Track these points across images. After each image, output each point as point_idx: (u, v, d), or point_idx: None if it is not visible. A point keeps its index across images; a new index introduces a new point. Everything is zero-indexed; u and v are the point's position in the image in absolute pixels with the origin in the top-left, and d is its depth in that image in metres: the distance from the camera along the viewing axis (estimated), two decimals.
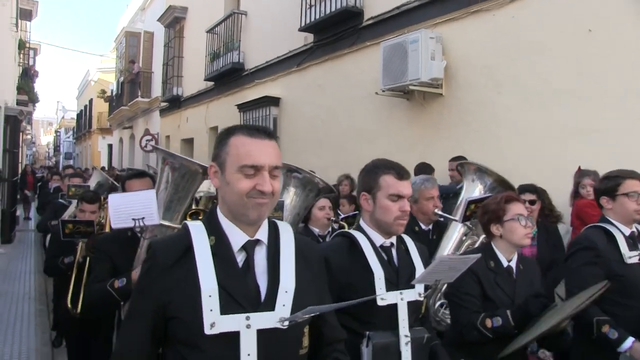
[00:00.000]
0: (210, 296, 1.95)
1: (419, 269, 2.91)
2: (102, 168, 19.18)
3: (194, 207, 5.56)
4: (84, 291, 3.89)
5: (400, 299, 2.76)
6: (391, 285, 2.77)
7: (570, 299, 3.39)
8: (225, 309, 1.95)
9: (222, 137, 2.13)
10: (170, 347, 2.07)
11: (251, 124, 2.19)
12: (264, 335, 1.98)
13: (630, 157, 5.71)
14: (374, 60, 9.15)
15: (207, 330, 1.92)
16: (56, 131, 69.71)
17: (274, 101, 12.89)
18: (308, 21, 11.18)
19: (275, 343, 2.01)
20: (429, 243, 4.25)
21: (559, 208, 5.91)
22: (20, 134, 20.23)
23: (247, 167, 2.01)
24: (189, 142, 19.16)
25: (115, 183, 7.86)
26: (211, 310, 1.94)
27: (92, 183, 8.13)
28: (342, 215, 6.55)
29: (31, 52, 24.53)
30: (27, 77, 22.02)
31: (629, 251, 3.63)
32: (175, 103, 20.51)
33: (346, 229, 3.32)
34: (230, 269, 2.03)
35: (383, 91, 8.79)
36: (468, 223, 4.33)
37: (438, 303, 4.21)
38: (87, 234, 4.96)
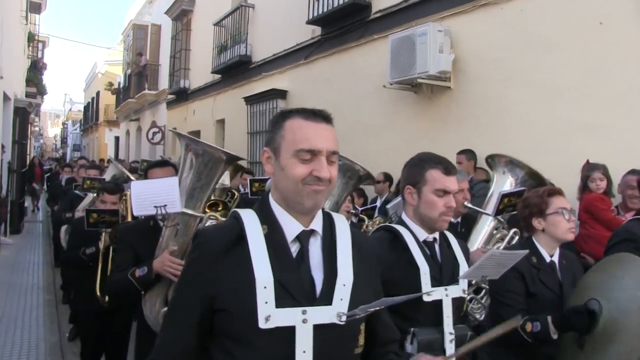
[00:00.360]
0: (265, 287, 1.82)
1: (462, 265, 2.86)
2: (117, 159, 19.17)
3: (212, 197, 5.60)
4: (107, 281, 3.85)
5: (445, 295, 2.69)
6: (435, 281, 2.70)
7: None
8: (279, 303, 1.82)
9: (277, 121, 2.01)
10: (216, 342, 1.95)
11: (308, 108, 2.01)
12: (320, 331, 1.85)
13: (634, 153, 5.72)
14: (381, 53, 9.13)
15: (262, 324, 1.79)
16: (63, 123, 69.88)
17: (281, 94, 12.90)
18: (316, 14, 11.16)
19: (332, 340, 1.89)
20: (457, 236, 4.22)
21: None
22: (29, 125, 20.30)
23: (303, 152, 1.89)
24: (195, 135, 19.14)
25: (131, 176, 7.85)
26: (266, 302, 1.81)
27: (108, 176, 8.04)
28: (360, 208, 6.58)
29: (40, 45, 24.55)
30: (35, 69, 22.04)
31: None
32: (182, 95, 20.51)
33: (384, 223, 3.21)
34: (284, 260, 1.90)
35: (391, 84, 8.78)
36: (499, 217, 4.27)
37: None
38: (111, 224, 4.96)
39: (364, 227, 5.78)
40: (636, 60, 5.96)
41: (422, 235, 2.82)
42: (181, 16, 20.82)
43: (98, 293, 4.85)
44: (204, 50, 17.75)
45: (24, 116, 16.62)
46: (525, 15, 7.22)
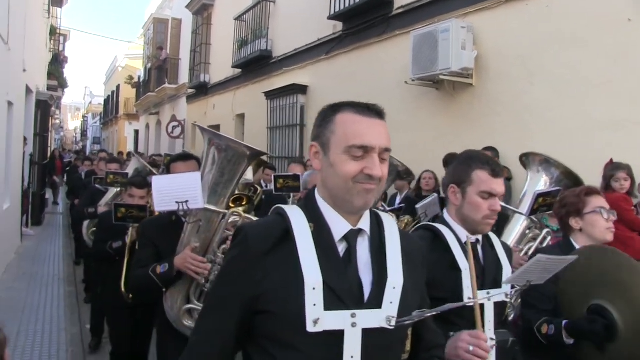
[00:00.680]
0: (314, 289, 1.73)
1: (506, 267, 2.77)
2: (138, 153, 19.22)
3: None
4: (129, 276, 3.80)
5: (488, 299, 2.57)
6: (477, 284, 2.52)
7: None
8: (327, 305, 1.74)
9: (326, 114, 1.92)
10: (255, 343, 1.86)
11: (359, 102, 1.92)
12: (368, 336, 1.77)
13: None
14: (403, 49, 9.11)
15: (310, 328, 1.70)
16: (83, 116, 70.28)
17: (302, 89, 12.91)
18: (337, 9, 11.16)
19: (380, 344, 1.81)
20: None
21: None
22: (50, 118, 20.47)
23: (355, 148, 1.79)
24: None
25: (153, 170, 7.85)
26: (315, 305, 1.72)
27: (130, 169, 8.04)
28: (388, 208, 6.57)
29: (61, 39, 24.72)
30: (57, 62, 22.18)
31: None
32: (202, 90, 20.55)
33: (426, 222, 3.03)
34: (332, 261, 1.80)
35: (412, 81, 8.77)
36: (533, 217, 4.19)
37: None
38: (139, 219, 4.87)
39: None
40: None
41: (465, 235, 2.70)
42: (202, 10, 20.87)
43: (123, 289, 4.79)
44: (224, 45, 17.77)
45: (45, 109, 16.75)
46: (550, 11, 7.16)
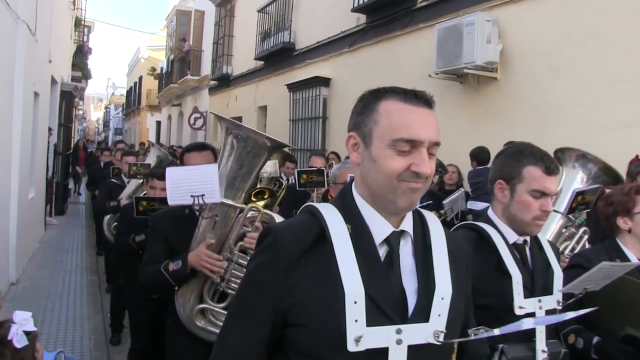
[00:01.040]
0: (355, 302, 1.53)
1: (557, 271, 2.51)
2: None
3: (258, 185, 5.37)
4: (139, 272, 3.50)
5: (539, 307, 2.35)
6: (527, 291, 2.36)
7: None
8: (370, 320, 1.53)
9: (368, 101, 1.69)
10: (283, 358, 1.67)
11: (405, 88, 1.69)
12: (414, 353, 1.57)
13: None
14: (427, 42, 9.07)
15: (351, 347, 1.50)
16: (106, 107, 70.75)
17: (325, 82, 12.87)
18: (361, 2, 11.10)
19: None
20: None
21: None
22: (74, 109, 20.64)
23: (401, 142, 1.58)
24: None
25: (174, 159, 7.83)
26: (356, 320, 1.52)
27: (151, 158, 7.97)
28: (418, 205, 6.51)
29: (85, 30, 24.87)
30: (81, 54, 22.34)
31: None
32: (224, 82, 20.58)
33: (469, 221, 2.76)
34: (373, 268, 1.60)
35: (436, 74, 8.71)
36: (570, 215, 3.96)
37: None
38: None
39: None
40: None
41: (512, 237, 2.49)
42: (225, 2, 20.89)
43: None
44: (247, 37, 17.78)
45: (69, 100, 16.89)
46: (577, 5, 7.07)
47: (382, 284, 1.60)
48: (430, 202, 7.11)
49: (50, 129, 14.08)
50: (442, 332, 1.59)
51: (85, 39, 24.51)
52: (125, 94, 52.91)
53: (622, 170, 5.79)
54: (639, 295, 2.67)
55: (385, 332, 1.55)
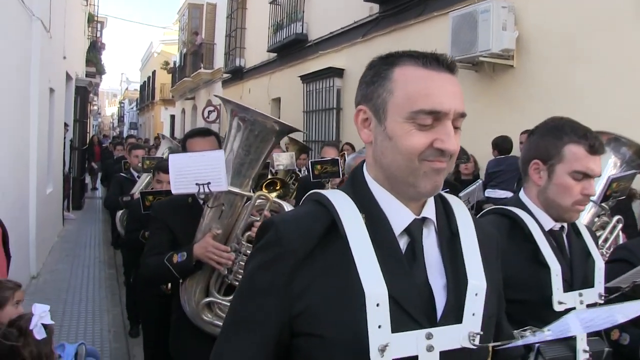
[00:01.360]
0: (378, 305, 1.29)
1: (598, 260, 2.25)
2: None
3: (269, 175, 5.26)
4: (141, 264, 3.37)
5: (580, 301, 2.11)
6: (566, 284, 2.12)
7: None
8: (395, 325, 1.30)
9: (379, 68, 1.44)
10: None
11: (422, 51, 1.44)
12: (446, 359, 1.35)
13: None
14: (441, 31, 8.97)
15: (376, 357, 1.28)
16: (120, 102, 71.11)
17: (338, 72, 12.82)
18: None
19: None
20: None
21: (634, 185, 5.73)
22: (88, 104, 20.74)
23: (423, 114, 1.34)
24: None
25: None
26: (380, 326, 1.28)
27: (161, 150, 8.04)
28: None
29: (98, 25, 24.99)
30: (95, 49, 22.48)
31: None
32: (237, 74, 20.58)
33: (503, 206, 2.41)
34: (393, 263, 1.37)
35: None
36: (604, 204, 3.77)
37: None
38: None
39: None
40: None
41: (548, 223, 2.24)
42: None
43: None
44: (259, 29, 17.76)
45: (84, 95, 16.97)
46: None
47: (406, 282, 1.36)
48: (447, 190, 7.04)
49: (66, 125, 14.17)
50: (477, 334, 1.37)
51: (98, 35, 24.63)
52: (138, 89, 53.06)
53: None
54: None
55: (413, 338, 1.32)
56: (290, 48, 15.48)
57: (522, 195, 2.36)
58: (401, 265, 1.38)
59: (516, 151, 7.55)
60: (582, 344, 2.08)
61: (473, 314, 1.39)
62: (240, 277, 2.93)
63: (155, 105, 41.08)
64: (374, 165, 1.47)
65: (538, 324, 1.77)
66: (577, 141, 2.20)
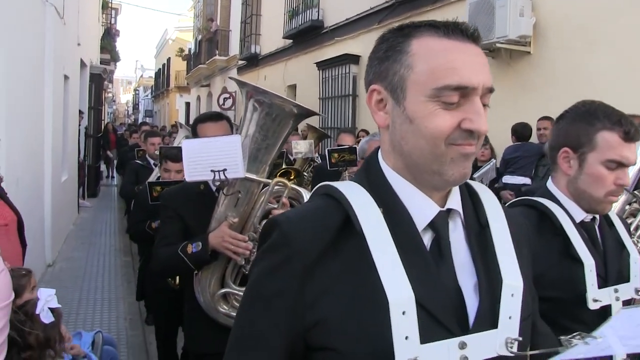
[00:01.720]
0: (404, 313, 1.13)
1: (633, 252, 2.11)
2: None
3: (284, 165, 5.16)
4: (153, 254, 3.26)
5: (615, 298, 1.95)
6: (601, 280, 1.97)
7: None
8: (424, 335, 1.14)
9: (394, 41, 1.26)
10: None
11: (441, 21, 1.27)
12: None
13: None
14: (457, 17, 8.69)
15: None
16: (135, 90, 71.31)
17: (354, 59, 12.75)
18: None
19: None
20: None
21: None
22: (103, 92, 20.79)
23: (448, 91, 1.17)
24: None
25: None
26: (407, 337, 1.13)
27: (179, 139, 7.90)
28: None
29: (112, 12, 24.99)
30: (109, 36, 22.47)
31: None
32: (253, 61, 20.54)
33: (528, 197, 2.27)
34: (418, 263, 1.20)
35: None
36: (637, 191, 3.60)
37: None
38: None
39: None
40: None
41: (579, 214, 2.10)
42: None
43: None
44: (275, 16, 17.69)
45: (99, 82, 17.01)
46: None
47: (434, 284, 1.20)
48: None
49: (81, 112, 14.18)
50: (515, 339, 1.21)
51: (112, 22, 24.63)
52: (153, 76, 53.17)
53: None
54: None
55: (445, 349, 1.15)
56: (306, 34, 15.41)
57: (550, 185, 2.21)
58: (427, 265, 1.21)
59: (533, 138, 7.47)
60: None
61: (510, 318, 1.23)
62: None
63: (170, 93, 41.15)
64: (391, 152, 1.30)
65: (571, 323, 1.77)
66: (610, 128, 2.02)
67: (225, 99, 21.84)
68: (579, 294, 1.94)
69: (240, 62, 22.13)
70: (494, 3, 7.87)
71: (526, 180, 7.21)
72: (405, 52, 1.23)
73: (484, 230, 1.32)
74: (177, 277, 4.12)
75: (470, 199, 1.36)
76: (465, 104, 1.19)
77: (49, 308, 3.11)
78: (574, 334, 1.24)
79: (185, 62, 33.62)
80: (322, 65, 13.96)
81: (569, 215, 2.08)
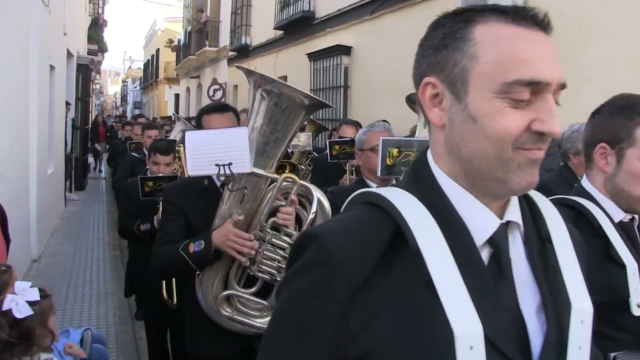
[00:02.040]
0: (471, 348, 0.96)
1: None
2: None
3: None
4: (153, 252, 3.07)
5: None
6: None
7: None
8: None
9: (453, 26, 1.10)
10: None
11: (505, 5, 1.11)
12: None
13: None
14: (450, 7, 8.74)
15: None
16: (123, 81, 71.08)
17: (346, 50, 12.61)
18: None
19: None
20: None
21: None
22: (91, 83, 20.56)
23: (519, 86, 1.01)
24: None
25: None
26: None
27: (175, 132, 7.63)
28: None
29: (100, 2, 24.72)
30: (96, 26, 22.25)
31: None
32: (243, 52, 20.45)
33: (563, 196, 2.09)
34: (481, 287, 1.02)
35: None
36: None
37: None
38: None
39: None
40: None
41: (618, 214, 1.96)
42: None
43: (165, 295, 4.31)
44: (265, 6, 17.56)
45: (86, 73, 16.78)
46: None
47: (497, 311, 1.02)
48: None
49: (67, 103, 13.99)
50: None
51: (100, 11, 24.35)
52: (142, 67, 52.99)
53: None
54: None
55: None
56: (297, 25, 15.29)
57: (585, 183, 2.07)
58: (489, 287, 1.04)
59: None
60: None
61: (580, 348, 1.07)
62: (265, 267, 2.77)
63: (159, 84, 41.06)
64: (446, 156, 1.11)
65: (613, 330, 1.69)
66: None
67: (215, 90, 21.75)
68: (621, 299, 1.80)
69: (231, 53, 22.00)
70: None
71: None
72: (467, 39, 1.06)
73: (545, 246, 1.15)
74: (175, 296, 4.06)
75: (529, 207, 1.19)
76: (536, 102, 1.03)
77: (28, 302, 2.97)
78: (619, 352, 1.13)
79: (175, 53, 33.62)
80: (314, 56, 13.84)
81: (607, 214, 1.94)
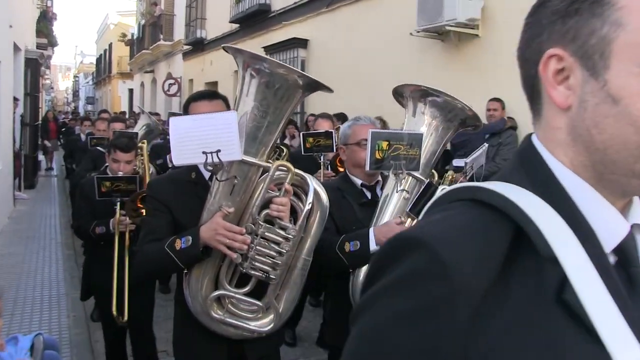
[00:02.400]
0: None
1: None
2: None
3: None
4: (136, 251, 2.86)
5: None
6: None
7: None
8: None
9: None
10: None
11: None
12: None
13: None
14: (408, 0, 8.88)
15: None
16: (75, 76, 69.92)
17: (302, 43, 12.67)
18: None
19: None
20: None
21: None
22: (40, 78, 20.10)
23: None
24: (213, 86, 19.00)
25: (165, 129, 7.29)
26: None
27: (138, 127, 7.45)
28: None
29: None
30: (45, 19, 21.71)
31: None
32: (198, 46, 20.40)
33: None
34: (623, 310, 0.79)
35: (417, 32, 8.62)
36: None
37: None
38: (128, 193, 4.20)
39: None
40: None
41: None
42: None
43: (114, 311, 4.17)
44: None
45: (35, 68, 16.39)
46: None
47: (638, 332, 0.79)
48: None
49: (15, 99, 13.61)
50: None
51: (49, 4, 23.77)
52: (94, 62, 52.20)
53: None
54: None
55: None
56: (253, 19, 15.27)
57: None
58: (626, 304, 0.81)
59: (482, 119, 7.44)
60: None
61: None
62: (258, 264, 2.56)
63: (113, 79, 40.59)
64: (570, 144, 0.90)
65: None
66: None
67: (170, 85, 21.57)
68: None
69: (186, 47, 21.91)
70: None
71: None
72: (607, 3, 0.84)
73: None
74: (125, 313, 3.96)
75: None
76: None
77: None
78: None
79: (128, 47, 33.21)
80: (270, 49, 13.80)
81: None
